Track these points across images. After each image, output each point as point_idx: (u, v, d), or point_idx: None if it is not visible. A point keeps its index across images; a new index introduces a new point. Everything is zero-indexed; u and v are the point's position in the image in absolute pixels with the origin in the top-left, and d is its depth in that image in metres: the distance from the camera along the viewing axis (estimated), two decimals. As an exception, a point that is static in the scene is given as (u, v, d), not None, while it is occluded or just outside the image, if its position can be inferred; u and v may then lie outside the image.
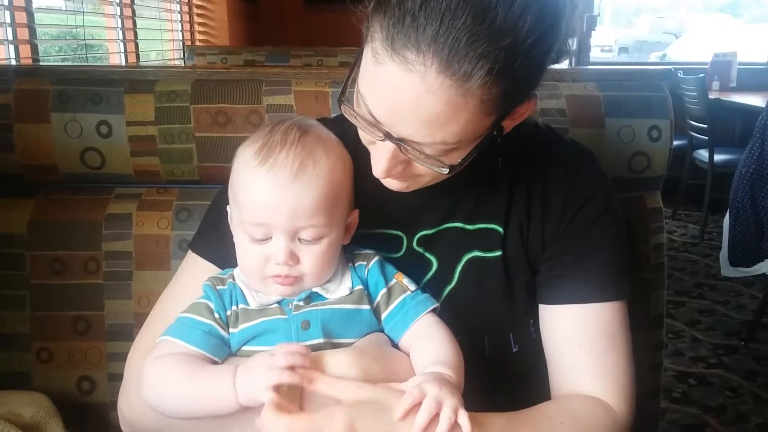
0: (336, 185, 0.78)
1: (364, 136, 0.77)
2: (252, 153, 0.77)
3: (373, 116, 0.71)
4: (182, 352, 0.76)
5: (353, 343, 0.78)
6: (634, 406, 0.86)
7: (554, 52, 0.71)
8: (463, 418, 0.68)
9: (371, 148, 0.78)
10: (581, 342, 0.85)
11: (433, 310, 0.82)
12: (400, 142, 0.71)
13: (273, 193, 0.75)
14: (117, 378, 1.06)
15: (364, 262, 0.82)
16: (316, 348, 0.76)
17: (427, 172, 0.76)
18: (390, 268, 0.83)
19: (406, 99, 0.67)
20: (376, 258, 0.83)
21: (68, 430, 0.99)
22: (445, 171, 0.73)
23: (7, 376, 1.08)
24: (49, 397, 1.03)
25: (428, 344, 0.79)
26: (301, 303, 0.78)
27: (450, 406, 0.68)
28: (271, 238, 0.76)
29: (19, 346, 1.08)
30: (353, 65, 0.74)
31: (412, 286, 0.82)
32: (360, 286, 0.81)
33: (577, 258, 0.86)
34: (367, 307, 0.80)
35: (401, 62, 0.65)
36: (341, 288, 0.80)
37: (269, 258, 0.76)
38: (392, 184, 0.80)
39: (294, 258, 0.76)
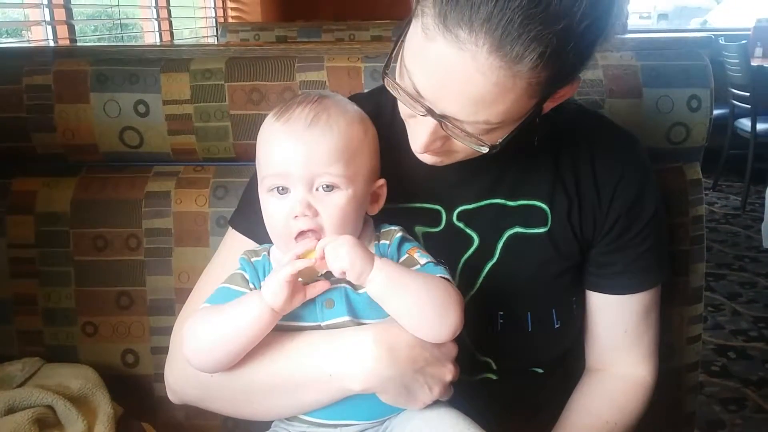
0: (352, 141, 0.79)
1: (404, 109, 0.77)
2: (272, 114, 0.81)
3: (417, 91, 0.71)
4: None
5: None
6: (658, 360, 0.96)
7: (604, 36, 0.70)
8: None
9: (410, 122, 0.78)
10: (627, 327, 0.92)
11: (443, 279, 0.78)
12: (441, 118, 0.71)
13: (288, 142, 0.77)
14: (160, 351, 1.09)
15: (387, 240, 0.82)
16: (341, 325, 0.78)
17: (464, 149, 0.76)
18: (407, 244, 0.82)
19: (455, 77, 0.66)
20: (398, 234, 0.82)
21: (114, 401, 1.03)
22: (484, 150, 0.73)
23: (55, 349, 1.12)
24: (95, 370, 1.07)
25: None
26: (321, 278, 0.79)
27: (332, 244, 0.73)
28: (291, 192, 0.78)
29: (65, 321, 1.12)
30: (399, 37, 0.73)
31: (423, 260, 0.80)
32: None
33: (633, 256, 0.89)
34: None
35: (453, 40, 0.65)
36: None
37: (290, 212, 0.77)
38: (426, 158, 0.80)
39: (311, 209, 0.77)
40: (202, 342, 0.78)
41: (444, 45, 0.65)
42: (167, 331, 0.94)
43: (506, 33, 0.63)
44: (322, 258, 0.74)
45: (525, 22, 0.62)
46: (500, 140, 0.73)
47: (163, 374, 0.91)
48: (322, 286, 0.77)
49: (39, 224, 1.11)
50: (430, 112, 0.71)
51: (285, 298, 0.74)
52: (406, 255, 0.81)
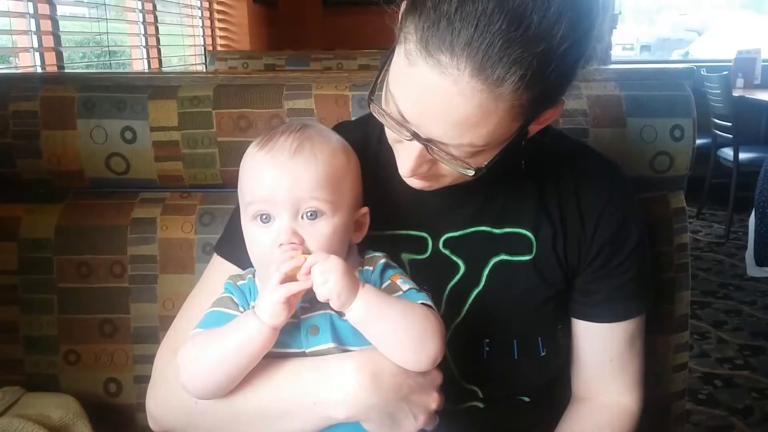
0: (336, 169, 0.79)
1: (391, 134, 0.78)
2: (254, 144, 0.81)
3: (402, 116, 0.71)
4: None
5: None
6: (643, 389, 0.95)
7: (584, 58, 0.71)
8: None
9: (397, 147, 0.79)
10: (612, 356, 0.92)
11: (425, 306, 0.78)
12: (427, 142, 0.72)
13: (273, 170, 0.77)
14: (143, 380, 1.08)
15: (371, 267, 0.82)
16: (326, 352, 0.77)
17: (451, 173, 0.77)
18: (390, 271, 0.82)
19: (437, 101, 0.67)
20: (382, 261, 0.82)
21: (95, 431, 1.01)
22: (471, 173, 0.74)
23: (36, 378, 1.10)
24: (77, 399, 1.05)
25: None
26: (307, 304, 0.78)
27: (319, 266, 0.72)
28: (275, 220, 0.77)
29: (47, 349, 1.10)
30: (383, 64, 0.74)
31: (405, 286, 0.79)
32: None
33: (617, 284, 0.90)
34: None
35: (434, 64, 0.66)
36: None
37: (275, 240, 0.77)
38: (414, 182, 0.81)
39: (297, 236, 0.76)
40: (200, 367, 0.77)
41: (426, 70, 0.66)
42: (151, 359, 0.93)
43: (487, 56, 0.64)
44: (308, 273, 0.73)
45: (505, 45, 0.63)
46: (485, 163, 0.74)
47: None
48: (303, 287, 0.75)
49: (22, 251, 1.10)
50: (415, 136, 0.72)
51: (285, 316, 0.73)
52: (389, 281, 0.80)
